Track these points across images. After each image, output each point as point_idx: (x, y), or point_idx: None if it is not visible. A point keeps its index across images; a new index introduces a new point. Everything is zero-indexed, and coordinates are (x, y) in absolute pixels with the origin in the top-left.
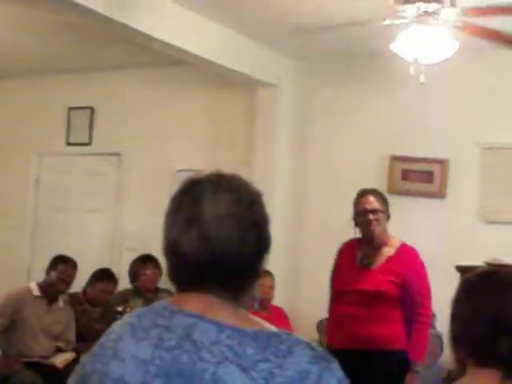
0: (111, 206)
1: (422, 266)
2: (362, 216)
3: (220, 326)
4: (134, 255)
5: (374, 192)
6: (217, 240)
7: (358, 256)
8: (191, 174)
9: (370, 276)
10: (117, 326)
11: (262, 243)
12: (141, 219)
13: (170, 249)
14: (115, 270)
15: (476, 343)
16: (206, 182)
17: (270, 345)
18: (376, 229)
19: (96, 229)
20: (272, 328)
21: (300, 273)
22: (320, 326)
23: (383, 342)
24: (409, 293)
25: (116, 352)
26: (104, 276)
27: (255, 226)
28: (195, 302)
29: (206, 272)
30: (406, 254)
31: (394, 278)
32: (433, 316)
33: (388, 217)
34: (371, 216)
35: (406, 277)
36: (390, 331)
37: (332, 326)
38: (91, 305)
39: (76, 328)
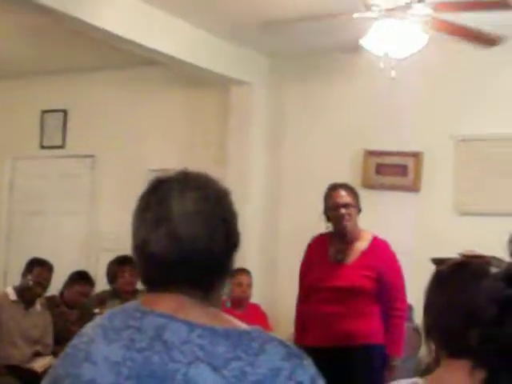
0: (86, 207)
1: (395, 258)
2: (333, 210)
3: (191, 326)
4: (110, 256)
5: (345, 186)
6: (185, 238)
7: (331, 251)
8: (158, 174)
9: (344, 271)
10: (88, 328)
11: (230, 240)
12: (116, 220)
13: (139, 249)
14: (92, 272)
15: (448, 335)
16: (173, 181)
17: (242, 343)
18: (348, 223)
19: (71, 231)
20: (244, 326)
21: (277, 270)
22: None
23: (362, 337)
24: (384, 286)
25: (88, 354)
26: (81, 278)
27: (223, 222)
28: (166, 302)
29: (176, 271)
30: (379, 247)
31: (369, 273)
32: (410, 309)
33: (359, 211)
34: (343, 210)
35: (381, 270)
36: (367, 326)
37: (308, 325)
38: (68, 307)
39: (54, 331)
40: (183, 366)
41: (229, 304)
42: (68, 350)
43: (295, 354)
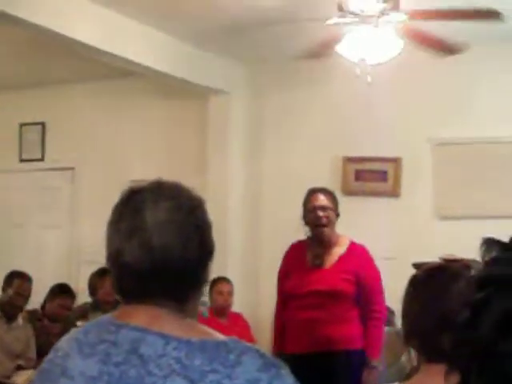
0: (66, 220)
1: (373, 262)
2: (311, 213)
3: (166, 339)
4: (91, 268)
5: (323, 190)
6: (158, 247)
7: (309, 257)
8: (132, 184)
9: (323, 276)
10: (64, 342)
11: (204, 248)
12: (96, 232)
13: (113, 259)
14: (73, 285)
15: (425, 340)
16: (146, 191)
17: (219, 355)
18: (326, 228)
19: (52, 244)
20: (220, 336)
21: (258, 278)
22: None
23: (343, 342)
24: (363, 290)
25: (64, 369)
26: (62, 291)
27: (197, 231)
28: (140, 315)
29: (150, 281)
30: (357, 251)
31: (347, 276)
32: (391, 314)
33: (337, 216)
34: (321, 213)
35: (359, 274)
36: (348, 331)
37: (289, 332)
38: (50, 321)
39: (36, 345)
40: (159, 380)
41: (206, 314)
42: (44, 365)
43: (272, 364)
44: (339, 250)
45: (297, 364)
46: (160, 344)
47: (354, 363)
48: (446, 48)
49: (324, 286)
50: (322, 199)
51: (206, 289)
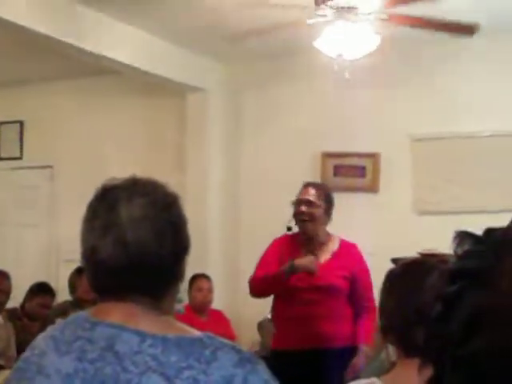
0: (46, 218)
1: (364, 260)
2: (296, 205)
3: (142, 335)
4: (71, 267)
5: (316, 186)
6: (133, 243)
7: (303, 251)
8: (106, 181)
9: (320, 270)
10: (40, 340)
11: (179, 244)
12: (76, 230)
13: (88, 256)
14: (53, 283)
15: (401, 334)
16: (120, 188)
17: (194, 351)
18: (309, 224)
19: (31, 242)
20: (196, 333)
21: (238, 274)
22: (261, 326)
23: (338, 339)
24: (357, 287)
25: (40, 367)
26: (41, 290)
27: (172, 227)
28: (116, 312)
29: (125, 277)
30: (350, 248)
31: (343, 273)
32: None
33: (327, 215)
34: (303, 208)
35: (353, 271)
36: (344, 328)
37: (282, 328)
38: (30, 319)
39: (16, 344)
40: (135, 377)
41: (182, 310)
42: (20, 363)
43: (248, 359)
44: (332, 247)
45: (288, 360)
46: (135, 341)
47: (347, 361)
48: (456, 28)
49: (322, 281)
50: (311, 194)
51: (183, 285)
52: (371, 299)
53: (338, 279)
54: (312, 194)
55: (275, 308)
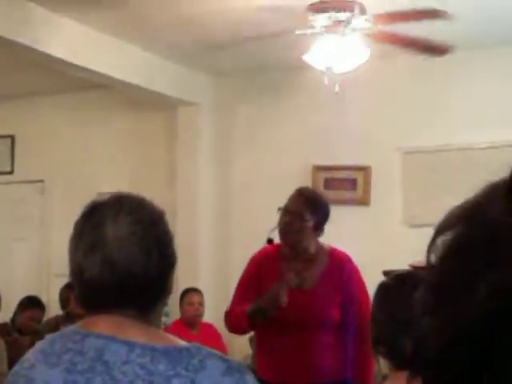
0: (37, 233)
1: (358, 272)
2: (281, 215)
3: (130, 345)
4: (61, 281)
5: (308, 195)
6: (120, 262)
7: (286, 272)
8: (93, 199)
9: (306, 300)
10: (30, 354)
11: (165, 261)
12: (67, 244)
13: (76, 274)
14: (44, 298)
15: (390, 346)
16: (106, 205)
17: (182, 360)
18: (291, 236)
19: (22, 257)
20: (183, 343)
21: (230, 288)
22: (253, 340)
23: (330, 374)
24: (350, 308)
25: (29, 380)
26: (31, 304)
27: (158, 244)
28: (105, 324)
29: (113, 295)
30: (340, 261)
31: (333, 298)
32: None
33: (317, 230)
34: (287, 218)
35: (346, 289)
36: (335, 361)
37: (264, 359)
38: (20, 333)
39: (7, 358)
40: None
41: (169, 322)
42: (10, 377)
43: (236, 369)
44: (320, 265)
45: None
46: (124, 351)
47: None
48: (431, 48)
49: (308, 316)
50: (299, 204)
51: (173, 299)
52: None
53: (328, 308)
54: (301, 204)
55: (256, 335)
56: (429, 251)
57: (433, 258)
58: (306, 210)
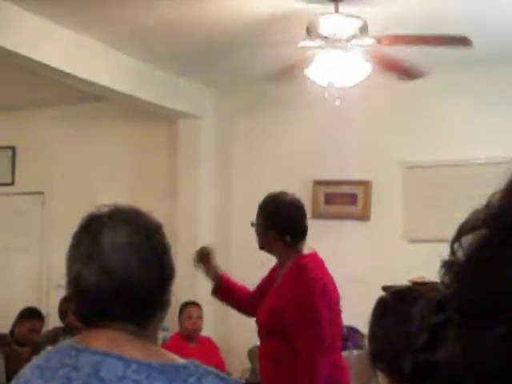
0: (37, 244)
1: (306, 287)
2: None
3: (126, 361)
4: (61, 293)
5: (262, 202)
6: (117, 271)
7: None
8: (92, 210)
9: (262, 304)
10: (26, 369)
11: (164, 272)
12: (66, 255)
13: (73, 285)
14: (43, 309)
15: (389, 362)
16: (104, 216)
17: (179, 377)
18: (259, 245)
19: (22, 268)
20: (180, 360)
21: None
22: (251, 353)
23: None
24: (283, 322)
25: None
26: (30, 315)
27: (155, 255)
28: (101, 339)
29: (109, 305)
30: (295, 270)
31: (271, 303)
32: (362, 337)
33: (273, 232)
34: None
35: (281, 301)
36: (273, 373)
37: None
38: (19, 345)
39: (6, 370)
40: None
41: (166, 337)
42: None
43: None
44: (284, 269)
45: None
46: (120, 367)
47: None
48: (407, 73)
49: (258, 319)
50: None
51: (172, 313)
52: (302, 339)
53: (263, 314)
54: (257, 213)
55: None
56: (445, 272)
57: (459, 255)
58: (259, 215)
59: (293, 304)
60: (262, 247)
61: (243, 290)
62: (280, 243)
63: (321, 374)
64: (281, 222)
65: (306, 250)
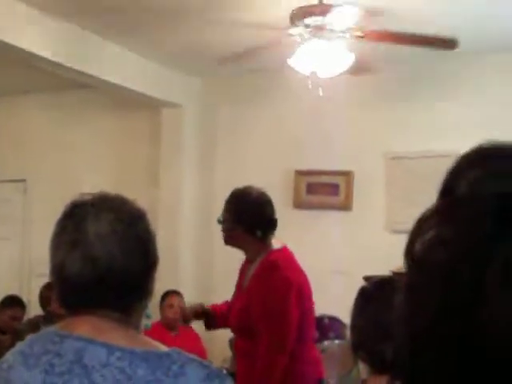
0: (18, 232)
1: (276, 283)
2: None
3: (110, 348)
4: (43, 281)
5: (228, 197)
6: (100, 258)
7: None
8: (75, 197)
9: (234, 308)
10: (9, 355)
11: (147, 260)
12: (48, 244)
13: (57, 272)
14: (25, 297)
15: (370, 351)
16: (88, 204)
17: (162, 365)
18: (224, 237)
19: (4, 256)
20: (163, 348)
21: (210, 291)
22: (232, 343)
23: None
24: (251, 317)
25: (7, 381)
26: (12, 303)
27: (139, 242)
28: (85, 326)
29: (93, 292)
30: (264, 267)
31: (242, 304)
32: (344, 327)
33: (242, 226)
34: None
35: (250, 298)
36: (251, 369)
37: None
38: (0, 333)
39: None
40: None
41: (149, 326)
42: None
43: (216, 374)
44: (254, 267)
45: None
46: (103, 354)
47: None
48: (438, 43)
49: (232, 323)
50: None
51: (153, 301)
52: (266, 336)
53: (234, 316)
54: (223, 210)
55: None
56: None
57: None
58: (226, 210)
59: (262, 304)
60: (227, 242)
61: (226, 306)
62: (249, 238)
63: (276, 374)
64: (249, 216)
65: (275, 244)
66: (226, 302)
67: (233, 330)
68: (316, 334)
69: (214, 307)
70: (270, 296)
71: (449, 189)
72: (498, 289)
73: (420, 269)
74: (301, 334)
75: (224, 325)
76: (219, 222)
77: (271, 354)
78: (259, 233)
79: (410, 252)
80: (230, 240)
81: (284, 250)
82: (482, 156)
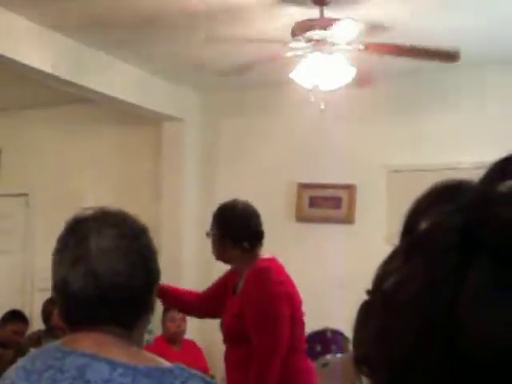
0: (21, 246)
1: (262, 290)
2: None
3: (112, 364)
4: (45, 295)
5: (215, 211)
6: (103, 274)
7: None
8: (77, 213)
9: (225, 311)
10: (11, 371)
11: (149, 275)
12: (50, 258)
13: (59, 288)
14: (27, 312)
15: (373, 366)
16: (90, 220)
17: (165, 381)
18: (213, 252)
19: (6, 270)
20: (166, 363)
21: None
22: None
23: None
24: (245, 324)
25: None
26: (14, 317)
27: (142, 258)
28: (87, 342)
29: (96, 308)
30: (252, 274)
31: (235, 310)
32: (347, 340)
33: (229, 241)
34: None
35: (242, 304)
36: (243, 376)
37: None
38: (3, 347)
39: None
40: None
41: (151, 341)
42: None
43: None
44: (242, 277)
45: None
46: (106, 370)
47: None
48: (440, 55)
49: (222, 326)
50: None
51: (157, 316)
52: (259, 340)
53: (227, 321)
54: (211, 224)
55: None
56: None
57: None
58: (212, 226)
59: (254, 306)
60: (218, 257)
61: (188, 292)
62: (237, 251)
63: (270, 377)
64: (235, 228)
65: (264, 255)
66: (192, 291)
67: (225, 338)
68: (318, 348)
69: (169, 286)
70: (263, 299)
71: (409, 229)
72: (471, 315)
73: (390, 308)
74: (292, 343)
75: (174, 304)
76: (207, 235)
77: (265, 358)
78: (246, 244)
79: (378, 292)
80: (219, 255)
81: (273, 261)
82: (437, 195)
